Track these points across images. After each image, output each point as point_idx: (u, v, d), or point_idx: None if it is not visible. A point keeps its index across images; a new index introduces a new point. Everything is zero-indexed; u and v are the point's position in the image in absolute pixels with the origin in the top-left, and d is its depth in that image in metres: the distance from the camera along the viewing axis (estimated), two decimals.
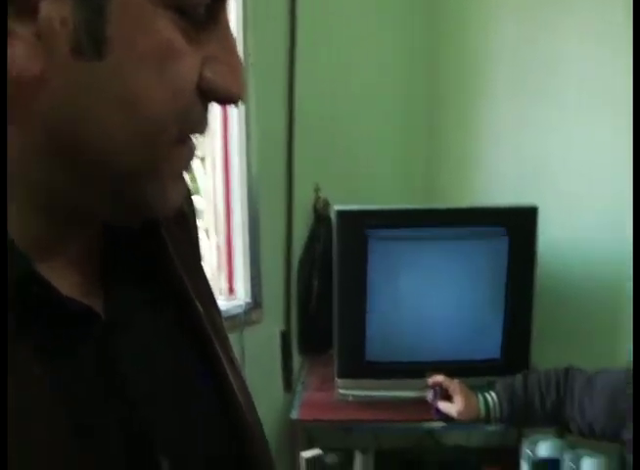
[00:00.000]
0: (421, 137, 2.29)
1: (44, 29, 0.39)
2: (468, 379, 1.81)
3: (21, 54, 0.39)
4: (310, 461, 2.00)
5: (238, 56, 0.46)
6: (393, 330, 1.88)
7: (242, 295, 2.12)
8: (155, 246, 0.56)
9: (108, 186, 0.45)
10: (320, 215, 2.07)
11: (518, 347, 1.89)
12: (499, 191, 2.15)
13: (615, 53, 1.99)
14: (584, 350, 2.00)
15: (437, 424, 1.85)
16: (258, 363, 1.94)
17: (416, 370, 1.87)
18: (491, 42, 2.22)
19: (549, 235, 1.85)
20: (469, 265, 1.83)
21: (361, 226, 1.78)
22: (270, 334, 2.15)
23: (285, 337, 2.18)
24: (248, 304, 2.11)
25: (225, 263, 2.13)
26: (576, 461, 1.55)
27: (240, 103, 0.47)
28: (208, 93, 0.45)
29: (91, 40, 0.40)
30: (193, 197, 0.68)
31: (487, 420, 1.76)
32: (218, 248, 2.12)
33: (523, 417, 1.74)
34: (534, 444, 1.63)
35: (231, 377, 0.60)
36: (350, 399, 1.94)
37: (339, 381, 1.93)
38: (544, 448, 1.62)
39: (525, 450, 1.63)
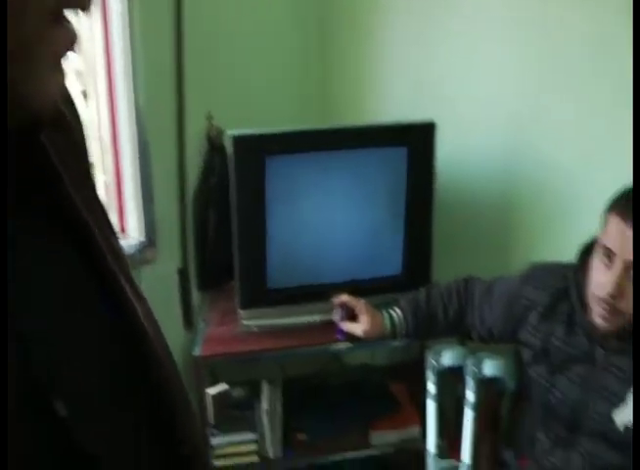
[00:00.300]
0: (315, 58, 2.24)
1: None
2: (372, 297, 1.85)
3: None
4: (216, 397, 1.98)
5: None
6: (295, 255, 1.87)
7: (135, 234, 2.05)
8: (37, 156, 0.50)
9: None
10: (214, 145, 2.01)
11: (418, 262, 1.93)
12: (396, 110, 2.14)
13: None
14: (480, 261, 2.08)
15: (343, 345, 1.88)
16: (156, 303, 1.86)
17: (319, 293, 1.88)
18: None
19: (445, 152, 1.88)
20: (368, 185, 1.83)
21: (258, 151, 1.74)
22: (167, 272, 2.09)
23: (182, 274, 2.13)
24: (142, 242, 2.04)
25: (115, 202, 2.04)
26: (478, 365, 1.62)
27: None
28: None
29: None
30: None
31: (393, 336, 1.82)
32: (107, 186, 2.03)
33: (427, 329, 1.81)
34: (438, 354, 1.69)
35: (135, 303, 0.57)
36: (255, 329, 1.93)
37: (241, 312, 1.91)
38: (448, 357, 1.67)
39: (430, 361, 1.69)
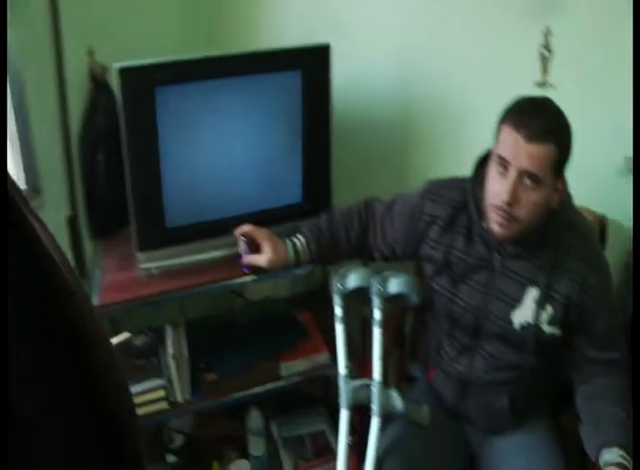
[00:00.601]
0: None
1: None
2: (274, 227, 1.84)
3: None
4: (119, 347, 1.93)
5: None
6: (192, 191, 1.82)
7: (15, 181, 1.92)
8: None
9: None
10: (98, 82, 1.91)
11: (318, 188, 1.94)
12: (290, 35, 2.09)
13: None
14: (379, 183, 2.12)
15: (248, 278, 1.86)
16: None
17: (220, 228, 1.85)
18: None
19: (341, 76, 1.87)
20: (264, 112, 1.80)
21: (146, 82, 1.66)
22: (55, 221, 1.97)
23: (72, 222, 2.03)
24: (24, 190, 1.92)
25: None
26: (383, 283, 1.64)
27: None
28: None
29: None
30: None
31: (297, 263, 1.83)
32: None
33: (330, 254, 1.83)
34: (343, 277, 1.69)
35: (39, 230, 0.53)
36: (154, 271, 1.88)
37: (140, 255, 1.85)
38: (353, 279, 1.67)
39: (336, 285, 1.69)
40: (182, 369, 1.96)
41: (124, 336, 1.93)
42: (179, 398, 1.98)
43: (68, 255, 2.03)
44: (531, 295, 1.58)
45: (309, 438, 2.32)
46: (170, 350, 1.93)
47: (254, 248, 1.80)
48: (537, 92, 1.88)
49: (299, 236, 1.81)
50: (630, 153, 1.94)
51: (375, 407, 1.56)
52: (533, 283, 1.57)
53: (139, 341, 2.05)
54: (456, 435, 1.78)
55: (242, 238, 1.81)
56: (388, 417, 1.60)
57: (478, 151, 1.61)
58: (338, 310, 1.67)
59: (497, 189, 1.48)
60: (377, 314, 1.64)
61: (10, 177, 0.50)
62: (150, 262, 1.87)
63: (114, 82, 1.68)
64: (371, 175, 2.22)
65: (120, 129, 1.69)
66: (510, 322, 1.60)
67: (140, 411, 1.94)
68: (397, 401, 1.59)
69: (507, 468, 1.68)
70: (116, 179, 1.86)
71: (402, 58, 2.08)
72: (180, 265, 1.89)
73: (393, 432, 1.69)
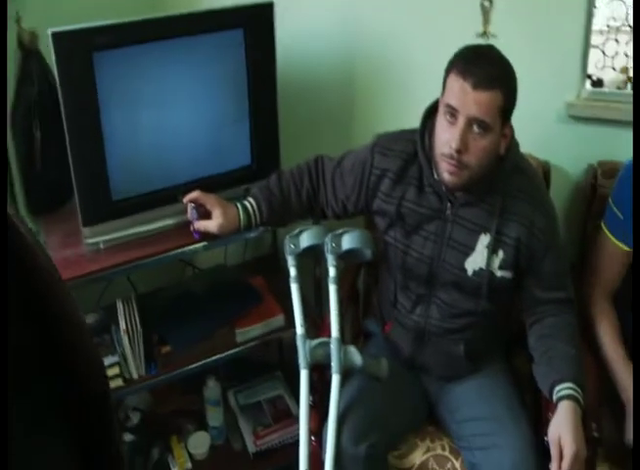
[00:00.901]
0: None
1: None
2: (224, 192, 1.83)
3: None
4: None
5: None
6: (137, 161, 1.77)
7: None
8: None
9: None
10: (28, 50, 1.83)
11: (267, 149, 1.92)
12: None
13: None
14: (327, 140, 2.13)
15: (198, 246, 1.84)
16: None
17: (168, 197, 1.82)
18: None
19: (284, 35, 1.85)
20: (207, 75, 1.77)
21: (83, 47, 1.60)
22: None
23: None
24: None
25: None
26: (337, 240, 1.65)
27: None
28: None
29: None
30: None
31: (249, 227, 1.82)
32: None
33: (282, 214, 1.83)
34: (296, 237, 1.69)
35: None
36: (102, 246, 1.83)
37: (85, 230, 1.80)
38: (306, 238, 1.68)
39: (289, 245, 1.69)
40: (135, 344, 1.92)
41: None
42: (134, 374, 1.95)
43: None
44: (483, 241, 1.62)
45: (268, 404, 2.33)
46: (123, 325, 1.90)
47: (204, 214, 1.79)
48: (480, 42, 1.91)
49: (250, 199, 1.80)
50: (571, 97, 1.99)
51: (334, 365, 1.57)
52: (485, 229, 1.61)
53: (90, 319, 2.01)
54: (414, 385, 1.82)
55: (191, 204, 1.78)
56: (346, 374, 1.62)
57: (423, 103, 1.64)
58: (292, 271, 1.68)
59: (446, 137, 1.51)
60: (332, 272, 1.65)
61: None
62: (96, 237, 1.82)
63: (49, 50, 1.61)
64: (319, 133, 2.22)
65: (59, 100, 1.63)
66: (464, 269, 1.64)
67: None
68: (356, 357, 1.61)
69: (465, 413, 1.72)
70: (54, 153, 1.80)
71: (345, 14, 2.08)
72: (128, 238, 1.85)
73: (352, 387, 1.71)
